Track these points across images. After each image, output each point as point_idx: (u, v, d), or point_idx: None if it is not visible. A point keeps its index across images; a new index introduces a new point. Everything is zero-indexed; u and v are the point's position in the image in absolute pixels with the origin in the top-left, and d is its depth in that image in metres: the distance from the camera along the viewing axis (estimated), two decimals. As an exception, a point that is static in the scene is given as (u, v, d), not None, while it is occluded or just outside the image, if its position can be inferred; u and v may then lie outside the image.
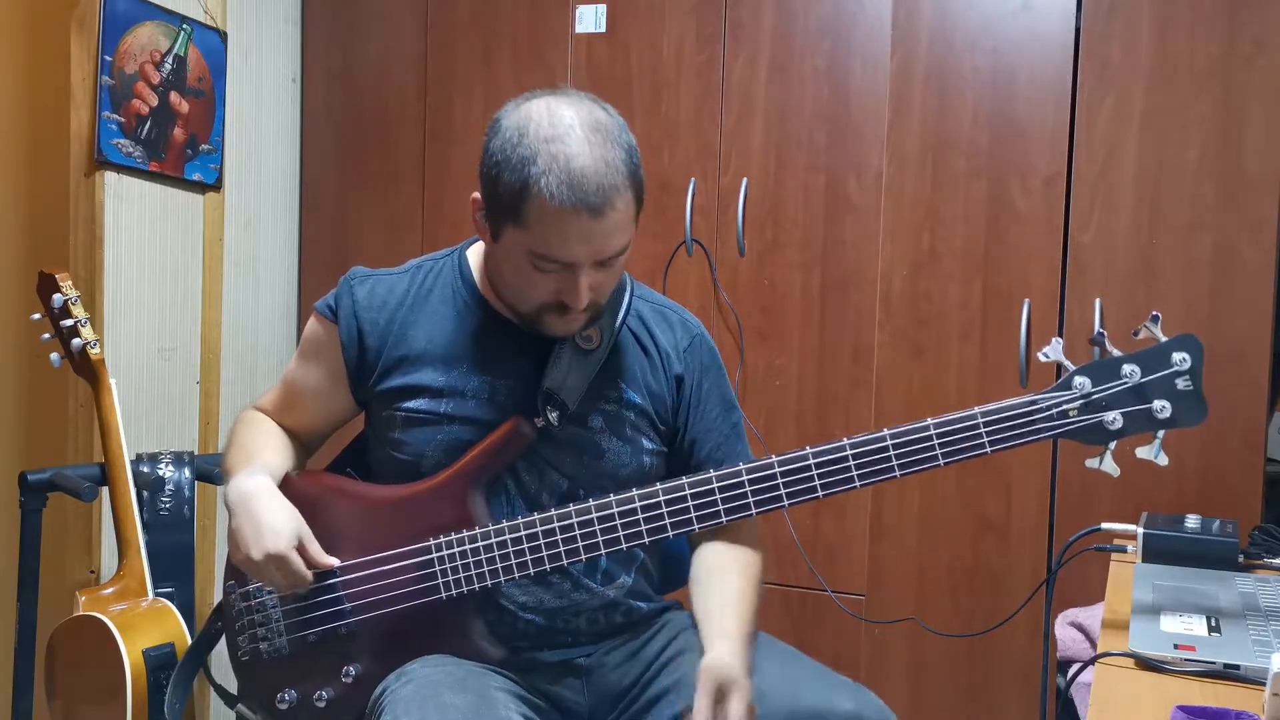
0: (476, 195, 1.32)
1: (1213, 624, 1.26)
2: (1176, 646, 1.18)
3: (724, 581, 1.36)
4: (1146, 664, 1.16)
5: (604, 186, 1.21)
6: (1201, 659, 1.14)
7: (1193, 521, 1.65)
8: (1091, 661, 1.20)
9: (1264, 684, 1.00)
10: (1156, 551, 1.59)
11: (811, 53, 2.39)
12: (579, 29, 2.56)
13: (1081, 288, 2.19)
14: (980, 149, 2.26)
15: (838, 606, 2.37)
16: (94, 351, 2.04)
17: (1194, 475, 2.11)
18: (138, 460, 2.13)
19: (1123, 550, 1.66)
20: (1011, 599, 2.20)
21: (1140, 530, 1.61)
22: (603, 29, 2.54)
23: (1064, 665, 1.87)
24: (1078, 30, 2.18)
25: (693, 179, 2.47)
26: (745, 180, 2.42)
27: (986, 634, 2.23)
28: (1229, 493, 2.08)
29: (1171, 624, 1.26)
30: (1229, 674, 1.13)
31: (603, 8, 2.54)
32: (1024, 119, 2.23)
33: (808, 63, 2.39)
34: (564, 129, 1.23)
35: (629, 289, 1.45)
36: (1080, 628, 1.85)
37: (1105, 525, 1.68)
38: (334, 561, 1.33)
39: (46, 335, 2.07)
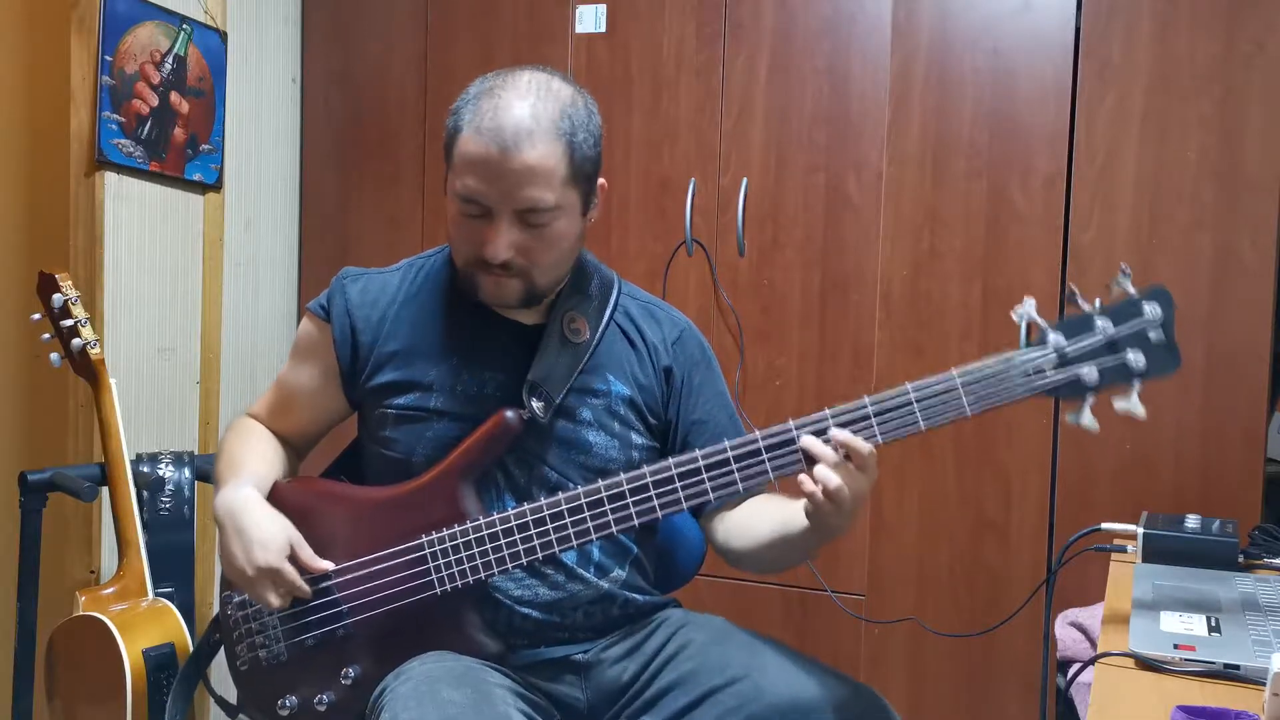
0: None
1: (1213, 624, 1.26)
2: (1176, 646, 1.17)
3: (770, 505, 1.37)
4: (1146, 664, 1.16)
5: (521, 130, 1.24)
6: (1201, 659, 1.14)
7: (1193, 521, 1.65)
8: (1091, 661, 1.20)
9: (1264, 684, 0.99)
10: (1156, 551, 1.59)
11: (811, 53, 2.39)
12: (579, 29, 2.56)
13: (1081, 288, 2.17)
14: (980, 149, 2.26)
15: (838, 606, 2.36)
16: (94, 351, 2.03)
17: (1194, 475, 2.11)
18: (138, 460, 2.13)
19: (1123, 550, 1.66)
20: (1011, 599, 2.20)
21: (1140, 530, 1.61)
22: (603, 29, 2.54)
23: (1064, 665, 1.87)
24: (1078, 30, 2.18)
25: (693, 179, 2.46)
26: (745, 180, 2.42)
27: (986, 634, 2.23)
28: (1229, 493, 2.08)
29: (1171, 624, 1.26)
30: (1229, 674, 1.13)
31: (603, 8, 2.54)
32: (1024, 119, 2.22)
33: (808, 63, 2.39)
34: (508, 83, 1.28)
35: (616, 286, 1.47)
36: (1080, 628, 1.85)
37: (1105, 525, 1.68)
38: (327, 565, 1.33)
39: (46, 335, 2.06)
